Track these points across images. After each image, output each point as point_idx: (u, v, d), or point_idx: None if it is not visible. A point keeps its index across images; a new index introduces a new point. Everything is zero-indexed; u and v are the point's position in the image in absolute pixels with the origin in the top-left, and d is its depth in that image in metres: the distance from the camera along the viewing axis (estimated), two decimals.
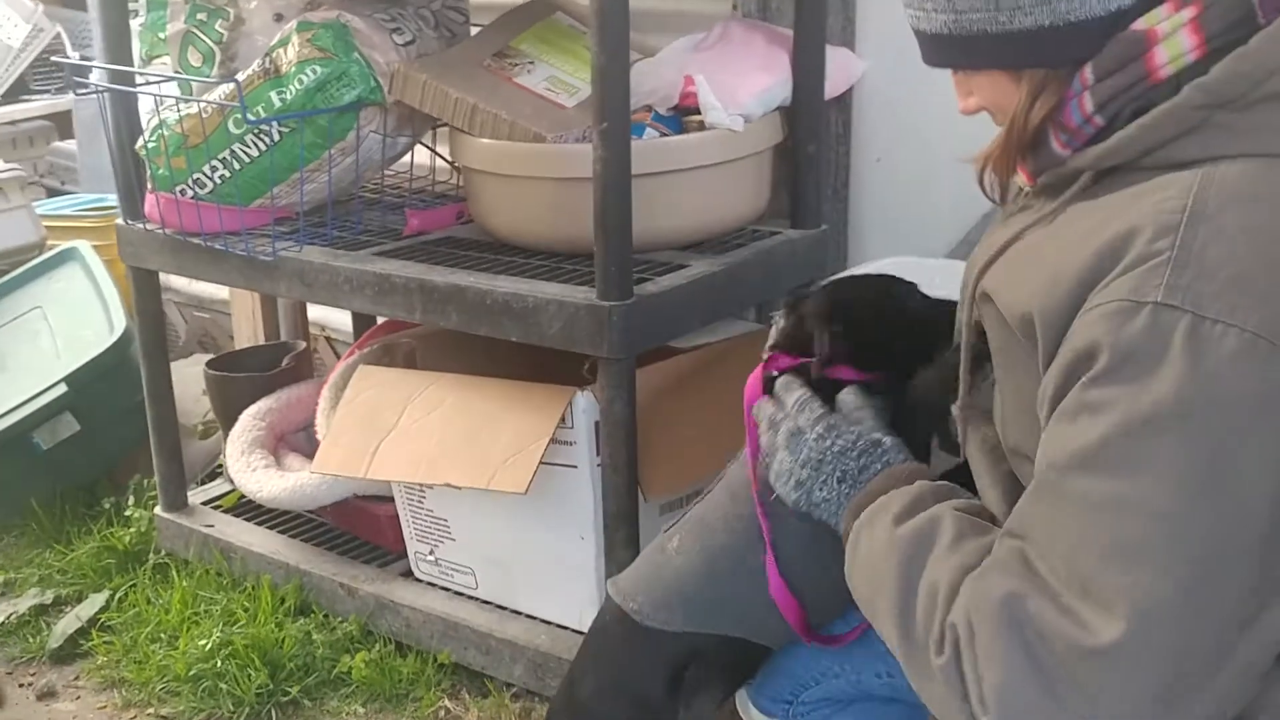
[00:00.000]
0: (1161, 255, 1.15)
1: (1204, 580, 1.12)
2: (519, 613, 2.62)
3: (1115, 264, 1.18)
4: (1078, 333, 1.19)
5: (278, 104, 2.58)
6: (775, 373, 1.66)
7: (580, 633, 2.52)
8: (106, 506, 3.30)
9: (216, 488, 3.26)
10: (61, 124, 5.46)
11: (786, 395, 1.58)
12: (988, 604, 1.19)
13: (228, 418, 3.14)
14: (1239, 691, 1.18)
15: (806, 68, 2.58)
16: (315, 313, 3.77)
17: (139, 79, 2.81)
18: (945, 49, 1.34)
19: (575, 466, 2.42)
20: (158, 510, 3.15)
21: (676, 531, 1.74)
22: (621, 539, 2.34)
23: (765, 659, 1.77)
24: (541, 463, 2.36)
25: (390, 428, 2.52)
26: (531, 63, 2.68)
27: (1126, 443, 1.14)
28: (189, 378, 3.61)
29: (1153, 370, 1.13)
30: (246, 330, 3.80)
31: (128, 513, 3.24)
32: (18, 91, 5.56)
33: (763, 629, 1.70)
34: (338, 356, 3.59)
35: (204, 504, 3.17)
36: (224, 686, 2.61)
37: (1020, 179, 1.43)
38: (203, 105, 2.62)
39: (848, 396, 1.56)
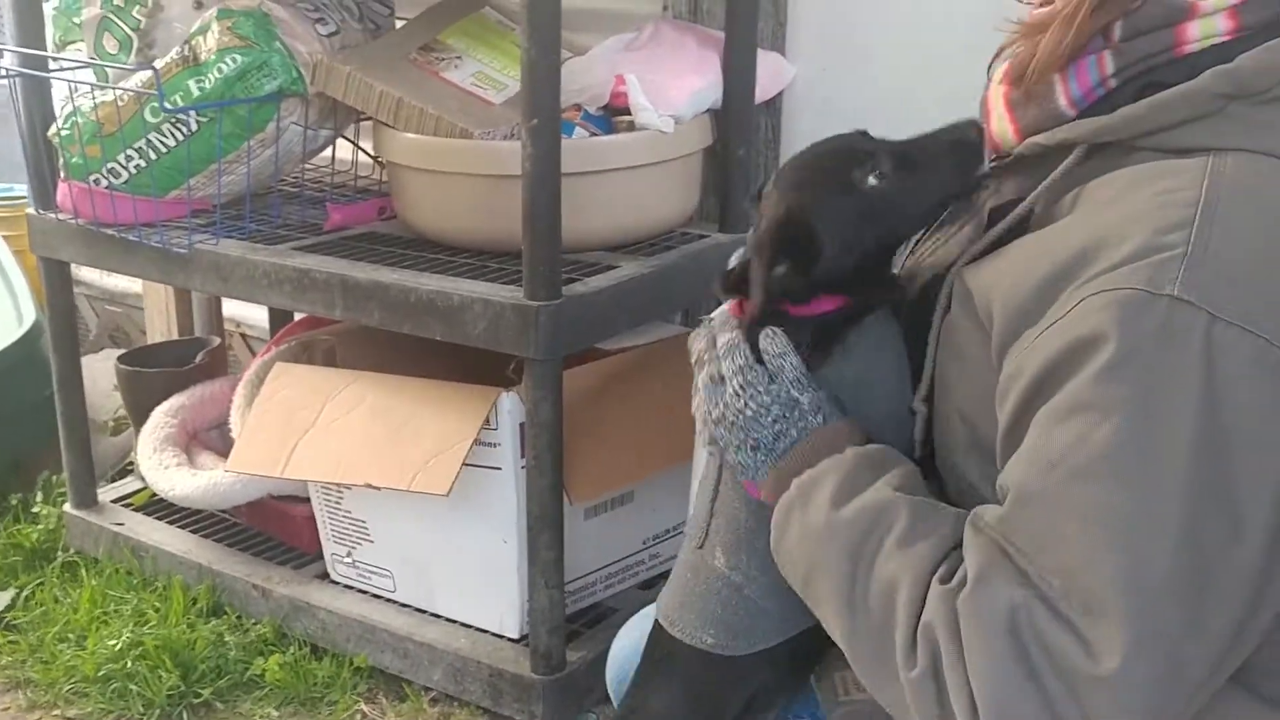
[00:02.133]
0: (1176, 249, 1.10)
1: (1206, 604, 1.08)
2: (438, 616, 2.57)
3: (1114, 252, 1.12)
4: (1074, 317, 1.12)
5: (196, 93, 2.52)
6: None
7: (501, 637, 2.49)
8: (14, 503, 3.21)
9: (127, 485, 3.18)
10: None
11: (720, 332, 1.41)
12: (987, 615, 1.12)
13: (139, 414, 3.07)
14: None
15: (737, 71, 2.57)
16: (230, 309, 3.70)
17: (52, 64, 2.73)
18: None
19: (499, 469, 2.38)
20: (66, 507, 3.07)
21: (715, 545, 1.48)
22: (545, 542, 2.30)
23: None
24: (464, 464, 2.32)
25: (308, 426, 2.46)
26: (459, 57, 2.64)
27: (1136, 449, 1.08)
28: (100, 373, 3.53)
29: (1169, 371, 1.08)
30: (159, 325, 3.72)
31: (35, 509, 3.16)
32: None
33: None
34: (253, 354, 3.52)
35: (114, 502, 3.09)
36: (134, 688, 2.54)
37: (1007, 133, 1.36)
38: (119, 93, 2.55)
39: (768, 343, 1.36)
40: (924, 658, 1.16)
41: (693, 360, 1.44)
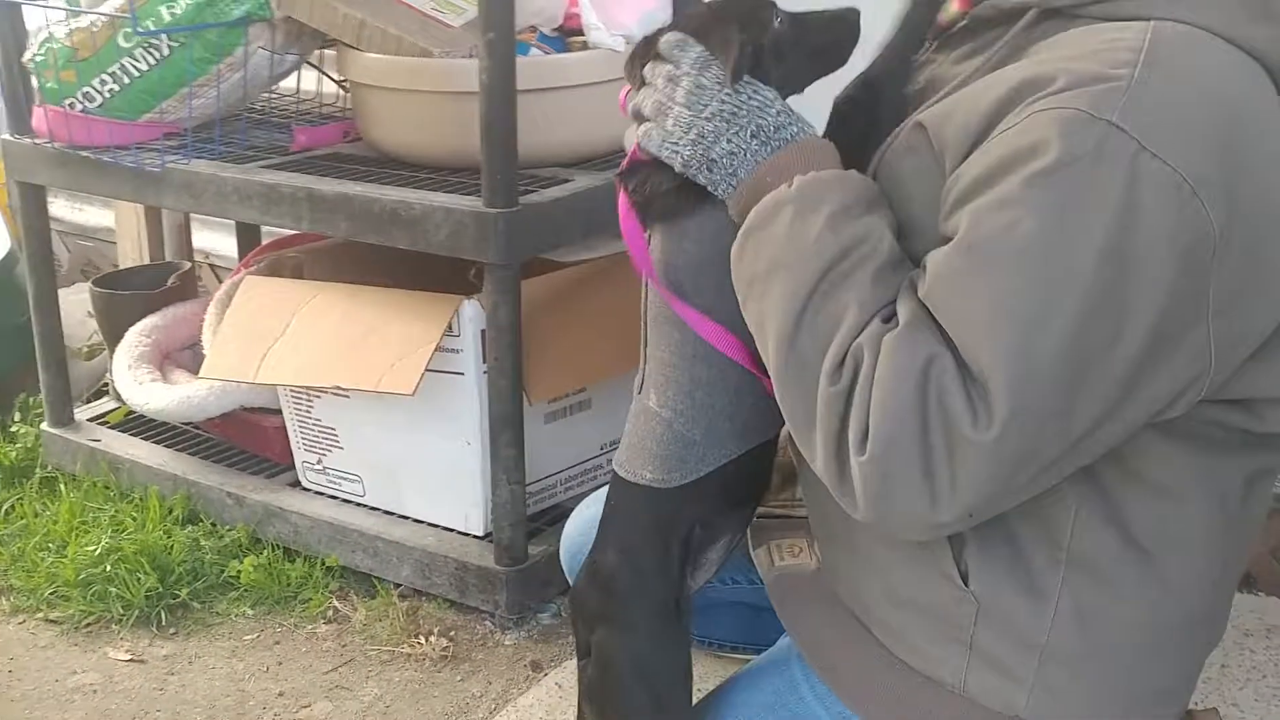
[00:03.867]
0: (1120, 81, 1.22)
1: (1077, 396, 1.22)
2: (406, 517, 2.71)
3: (1064, 78, 1.24)
4: (1020, 129, 1.24)
5: (167, 18, 2.62)
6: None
7: (466, 534, 2.62)
8: None
9: (103, 405, 3.29)
10: None
11: (681, 53, 1.43)
12: (906, 356, 1.24)
13: (114, 336, 3.18)
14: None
15: None
16: (199, 240, 3.81)
17: None
18: None
19: (462, 374, 2.51)
20: (44, 426, 3.18)
21: (649, 387, 1.59)
22: (506, 440, 2.44)
23: (764, 483, 1.70)
24: (429, 370, 2.44)
25: (278, 335, 2.58)
26: None
27: (1050, 247, 1.20)
28: (73, 305, 3.62)
29: (1095, 185, 1.20)
30: (131, 252, 3.82)
31: (13, 429, 3.27)
32: None
33: (756, 424, 1.59)
34: (221, 282, 3.62)
35: (90, 420, 3.21)
36: (113, 590, 2.67)
37: (950, 6, 1.46)
38: (93, 18, 2.65)
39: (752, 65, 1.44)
40: (846, 376, 1.27)
41: (651, 92, 1.45)
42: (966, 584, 1.41)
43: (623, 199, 1.54)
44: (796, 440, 1.36)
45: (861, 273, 1.31)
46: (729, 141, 1.40)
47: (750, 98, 1.41)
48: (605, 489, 1.72)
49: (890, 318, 1.29)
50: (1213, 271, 1.23)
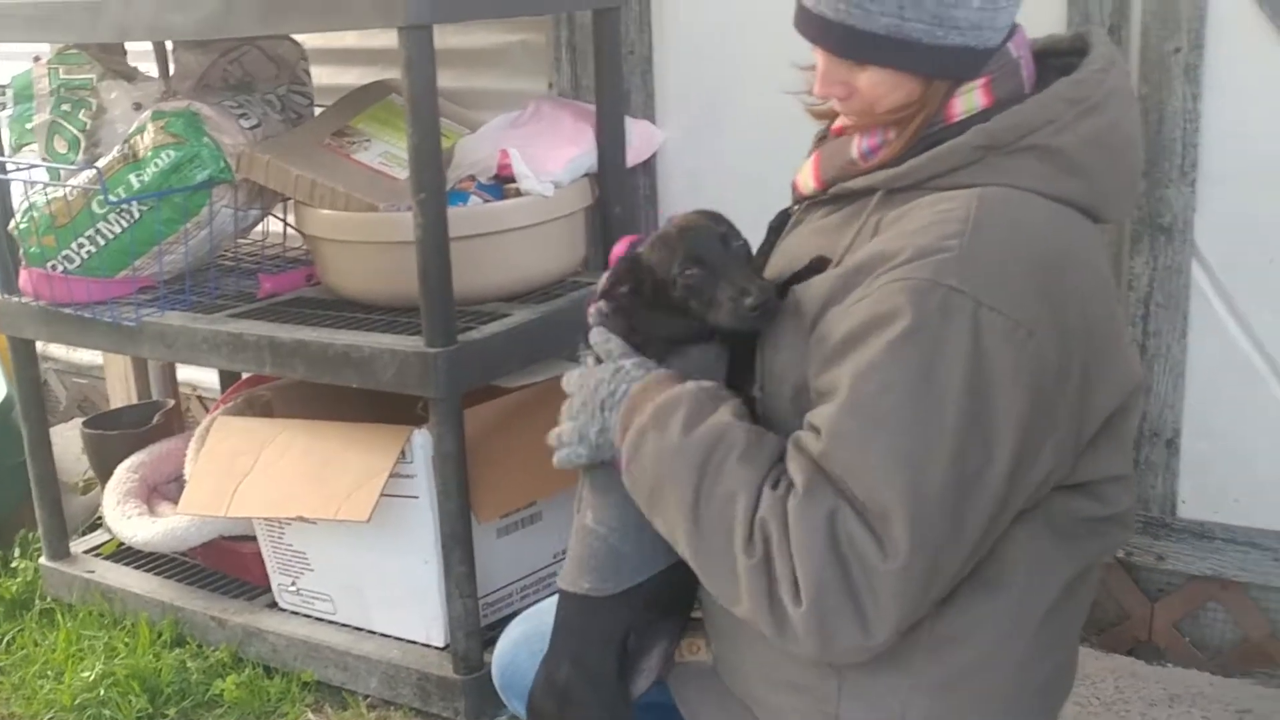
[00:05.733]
0: (952, 251, 1.45)
1: (965, 515, 1.46)
2: (374, 632, 2.92)
3: (908, 252, 1.49)
4: (876, 298, 1.48)
5: (136, 185, 2.88)
6: None
7: (428, 646, 2.83)
8: None
9: (96, 537, 3.52)
10: None
11: (568, 386, 1.75)
12: (812, 517, 1.46)
13: (104, 472, 3.42)
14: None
15: (609, 138, 2.95)
16: (185, 374, 4.05)
17: (10, 166, 3.10)
18: (870, 46, 1.56)
19: (416, 497, 2.73)
20: (42, 560, 3.41)
21: (585, 507, 1.80)
22: (458, 558, 2.66)
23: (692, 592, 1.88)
24: (387, 495, 2.67)
25: (247, 470, 2.82)
26: (368, 140, 3.00)
27: (920, 399, 1.45)
28: (70, 440, 3.87)
29: (945, 337, 1.43)
30: (120, 392, 4.07)
31: (14, 564, 3.51)
32: None
33: None
34: (208, 413, 3.86)
35: (85, 552, 3.44)
36: (107, 712, 2.88)
37: (809, 182, 1.73)
38: (68, 189, 2.91)
39: (595, 336, 1.72)
40: (760, 547, 1.50)
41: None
42: (831, 664, 1.63)
43: None
44: (730, 609, 1.58)
45: (730, 462, 1.55)
46: (593, 422, 1.67)
47: (588, 380, 1.69)
48: (532, 609, 1.94)
49: (777, 483, 1.53)
50: (1057, 391, 1.50)
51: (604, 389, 1.67)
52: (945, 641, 1.60)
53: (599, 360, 1.72)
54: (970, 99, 1.59)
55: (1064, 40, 1.70)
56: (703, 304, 1.65)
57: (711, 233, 1.67)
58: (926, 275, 1.46)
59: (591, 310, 1.76)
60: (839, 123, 1.71)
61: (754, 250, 1.76)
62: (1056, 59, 1.67)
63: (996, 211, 1.52)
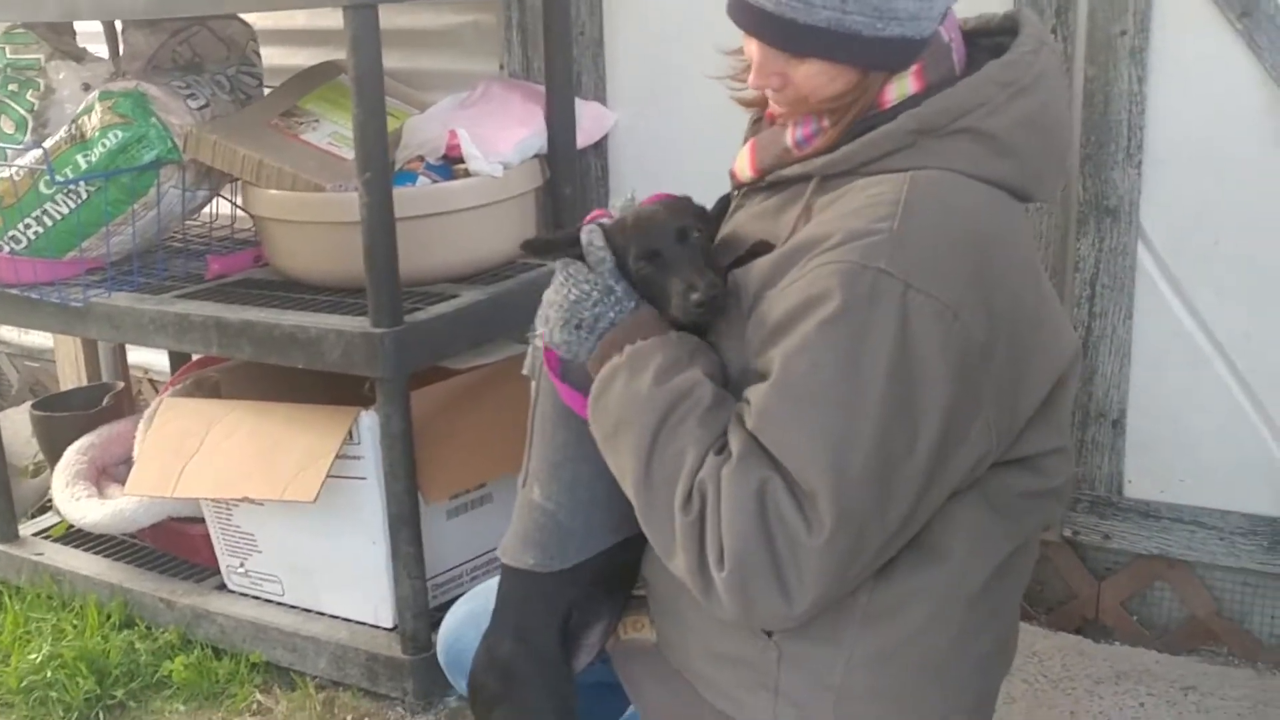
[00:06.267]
0: (882, 233, 1.47)
1: (889, 494, 1.48)
2: (322, 614, 2.92)
3: (838, 235, 1.50)
4: (808, 280, 1.49)
5: (84, 166, 2.86)
6: None
7: (376, 627, 2.83)
8: None
9: (46, 520, 3.50)
10: None
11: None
12: (742, 484, 1.48)
13: (54, 454, 3.40)
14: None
15: (559, 120, 2.95)
16: (136, 356, 4.03)
17: None
18: (810, 39, 1.55)
19: (364, 478, 2.73)
20: None
21: (532, 481, 1.80)
22: (405, 538, 2.66)
23: (634, 571, 1.89)
24: (334, 476, 2.67)
25: (194, 451, 2.81)
26: (316, 120, 2.99)
27: (850, 378, 1.46)
28: (19, 423, 3.85)
29: (873, 320, 1.44)
30: (70, 374, 4.05)
31: None
32: None
33: (630, 518, 1.69)
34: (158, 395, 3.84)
35: (34, 535, 3.42)
36: (54, 694, 2.87)
37: (745, 169, 1.74)
38: (14, 170, 2.89)
39: (591, 236, 1.67)
40: (695, 507, 1.52)
41: None
42: (770, 635, 1.64)
43: None
44: (665, 561, 1.60)
45: (691, 420, 1.56)
46: (561, 331, 1.65)
47: (571, 289, 1.65)
48: (479, 588, 1.94)
49: (722, 449, 1.54)
50: (983, 373, 1.51)
51: (587, 309, 1.65)
52: (883, 613, 1.62)
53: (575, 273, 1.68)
54: (902, 85, 1.60)
55: (995, 20, 1.71)
56: (653, 296, 1.66)
57: (667, 226, 1.67)
58: (856, 259, 1.48)
59: (588, 223, 1.73)
60: (771, 109, 1.71)
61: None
62: (988, 38, 1.68)
63: (927, 194, 1.53)
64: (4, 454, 3.37)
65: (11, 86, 3.14)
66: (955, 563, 1.62)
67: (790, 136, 1.68)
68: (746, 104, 1.81)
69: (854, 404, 1.46)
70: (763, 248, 1.64)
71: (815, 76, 1.59)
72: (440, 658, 2.11)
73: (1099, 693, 2.70)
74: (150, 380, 4.18)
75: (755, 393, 1.53)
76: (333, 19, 2.49)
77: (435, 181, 2.84)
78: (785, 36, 1.57)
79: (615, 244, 1.68)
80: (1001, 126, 1.57)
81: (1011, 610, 1.77)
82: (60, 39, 3.27)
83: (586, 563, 1.80)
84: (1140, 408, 2.80)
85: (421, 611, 2.71)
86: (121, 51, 3.27)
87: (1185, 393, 2.75)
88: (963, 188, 1.56)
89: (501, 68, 3.23)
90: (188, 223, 3.27)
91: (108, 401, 3.54)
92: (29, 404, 3.85)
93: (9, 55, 3.19)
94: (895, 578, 1.61)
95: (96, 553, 3.30)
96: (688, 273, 1.63)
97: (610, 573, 1.85)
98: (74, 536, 3.37)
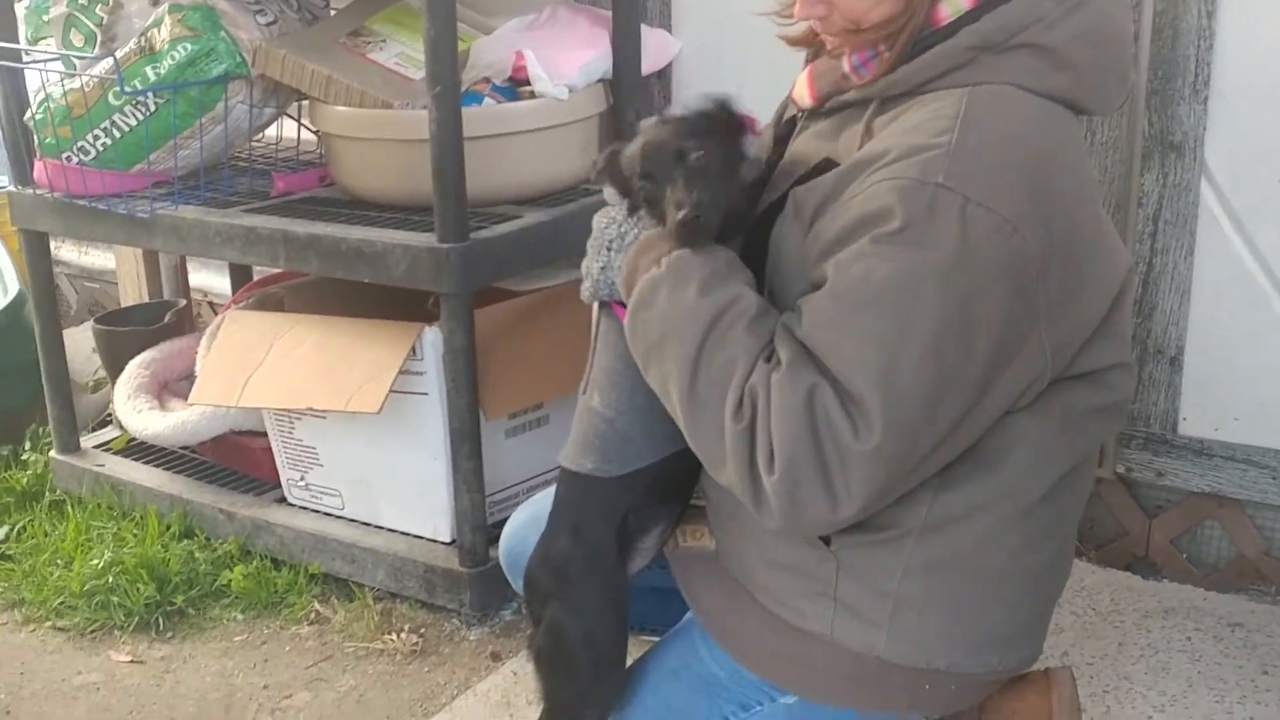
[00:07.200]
0: (941, 148, 1.47)
1: (941, 399, 1.49)
2: (381, 528, 2.96)
3: (897, 151, 1.51)
4: (866, 196, 1.51)
5: (152, 78, 2.89)
6: None
7: (435, 541, 2.87)
8: (4, 453, 3.60)
9: (107, 434, 3.56)
10: None
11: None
12: (792, 390, 1.50)
13: (115, 369, 3.45)
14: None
15: (624, 45, 2.96)
16: (197, 279, 4.08)
17: (25, 56, 3.11)
18: None
19: (426, 394, 2.76)
20: (52, 454, 3.45)
21: (593, 389, 1.84)
22: (465, 453, 2.69)
23: (691, 480, 1.92)
24: (397, 391, 2.70)
25: (259, 363, 2.85)
26: (384, 40, 3.01)
27: (905, 288, 1.48)
28: (80, 342, 3.91)
29: (931, 233, 1.45)
30: (131, 292, 4.10)
31: (24, 457, 3.54)
32: None
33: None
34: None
35: (95, 448, 3.48)
36: (115, 599, 2.93)
37: (805, 96, 1.75)
38: (85, 79, 2.93)
39: (609, 194, 1.77)
40: (746, 414, 1.54)
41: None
42: (829, 544, 1.67)
43: None
44: (711, 473, 1.63)
45: (738, 328, 1.58)
46: (597, 259, 1.72)
47: (599, 219, 1.73)
48: (541, 494, 1.98)
49: (771, 357, 1.56)
50: (1039, 289, 1.52)
51: (613, 229, 1.71)
52: (943, 522, 1.64)
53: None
54: (955, 1, 1.60)
55: None
56: (655, 216, 1.69)
57: (667, 147, 1.68)
58: (915, 174, 1.49)
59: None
60: (824, 40, 1.72)
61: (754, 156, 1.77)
62: None
63: (985, 109, 1.54)
64: (67, 368, 3.42)
65: (82, 0, 3.16)
66: (1016, 475, 1.64)
67: (847, 62, 1.68)
68: (793, 42, 1.82)
69: (908, 314, 1.48)
70: (827, 164, 1.66)
71: (860, 1, 1.60)
72: (501, 560, 2.15)
73: (1146, 625, 2.72)
74: (210, 303, 4.22)
75: (808, 301, 1.55)
76: None
77: (500, 103, 2.86)
78: None
79: (627, 170, 1.72)
80: (1059, 40, 1.57)
81: (1068, 528, 1.78)
82: None
83: (643, 470, 1.83)
84: (1198, 345, 2.81)
85: (480, 525, 2.75)
86: None
87: (1243, 331, 2.75)
88: (1021, 102, 1.57)
89: None
90: (252, 143, 3.30)
91: (170, 318, 3.58)
92: (90, 321, 3.91)
93: None
94: (956, 489, 1.63)
95: (156, 465, 3.35)
96: (680, 193, 1.65)
97: (667, 481, 1.87)
98: (134, 450, 3.43)
